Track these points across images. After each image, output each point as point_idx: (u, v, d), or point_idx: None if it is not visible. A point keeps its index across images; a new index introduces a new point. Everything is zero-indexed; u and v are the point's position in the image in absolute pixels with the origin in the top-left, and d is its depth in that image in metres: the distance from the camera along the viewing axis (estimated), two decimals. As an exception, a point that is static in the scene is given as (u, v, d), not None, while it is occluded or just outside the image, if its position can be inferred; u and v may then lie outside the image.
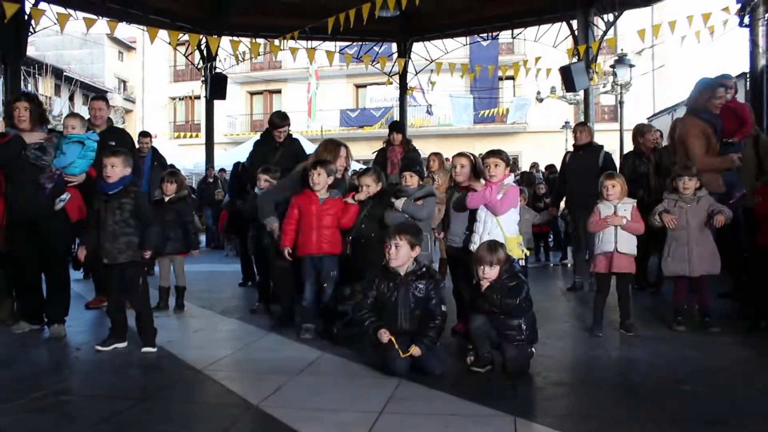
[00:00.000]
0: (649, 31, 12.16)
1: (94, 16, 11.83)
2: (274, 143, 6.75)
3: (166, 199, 6.46)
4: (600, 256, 5.17)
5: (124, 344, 4.76)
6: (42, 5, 11.50)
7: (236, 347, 4.85)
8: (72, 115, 5.81)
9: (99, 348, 4.68)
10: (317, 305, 5.19)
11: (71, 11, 12.69)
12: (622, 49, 17.88)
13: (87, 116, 6.72)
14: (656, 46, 21.71)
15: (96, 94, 8.18)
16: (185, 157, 22.32)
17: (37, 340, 5.12)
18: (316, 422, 3.14)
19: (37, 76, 31.92)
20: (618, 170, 7.50)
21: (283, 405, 3.40)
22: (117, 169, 4.69)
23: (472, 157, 5.20)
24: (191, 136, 32.43)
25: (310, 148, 22.54)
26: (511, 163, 5.09)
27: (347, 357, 4.42)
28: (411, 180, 5.27)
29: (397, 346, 3.95)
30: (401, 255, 4.12)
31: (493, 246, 4.12)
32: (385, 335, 4.02)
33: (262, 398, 3.49)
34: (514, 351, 3.98)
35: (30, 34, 12.46)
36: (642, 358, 4.55)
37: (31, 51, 13.06)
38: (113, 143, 6.44)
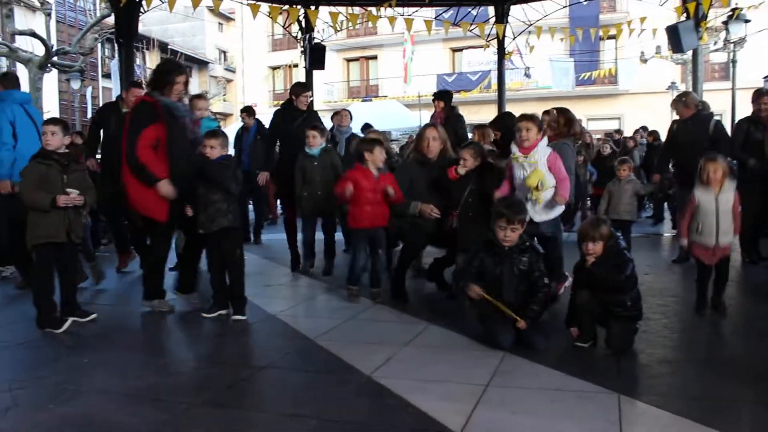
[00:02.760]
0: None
1: (200, -5, 12.27)
2: (293, 113, 6.99)
3: None
4: (699, 247, 4.93)
5: (226, 311, 5.10)
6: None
7: (345, 317, 5.05)
8: (201, 96, 6.08)
9: (205, 315, 5.04)
10: (364, 271, 5.61)
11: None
12: (736, 3, 16.83)
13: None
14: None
15: (132, 81, 8.85)
16: (285, 126, 22.89)
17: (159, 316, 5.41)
18: (425, 393, 3.31)
19: (144, 50, 33.42)
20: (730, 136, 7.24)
21: (394, 376, 3.60)
22: (216, 150, 5.01)
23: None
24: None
25: (406, 112, 22.23)
26: (545, 128, 5.15)
27: (451, 329, 4.58)
28: None
29: (505, 309, 4.11)
30: (515, 237, 4.23)
31: (597, 222, 4.15)
32: (476, 290, 4.20)
33: (373, 369, 3.70)
34: (618, 327, 4.02)
35: (141, 14, 13.07)
36: (751, 336, 4.47)
37: (139, 27, 13.79)
38: None
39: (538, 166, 4.92)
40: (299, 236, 7.06)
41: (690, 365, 3.88)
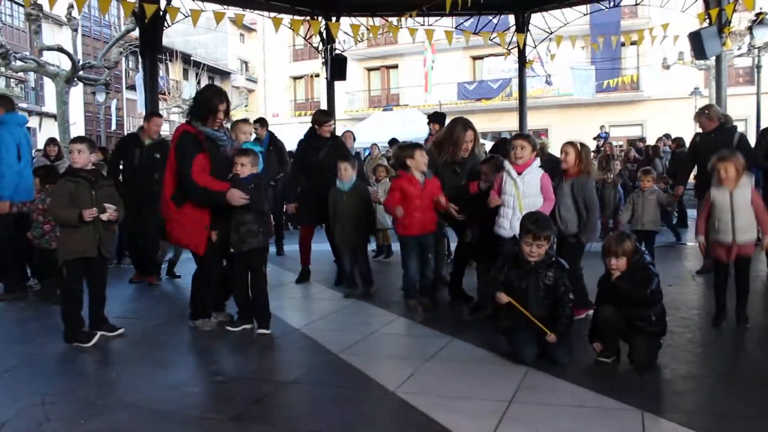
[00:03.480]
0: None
1: (222, 9, 12.48)
2: (318, 142, 6.99)
3: None
4: (717, 246, 4.91)
5: (251, 326, 5.16)
6: (176, 2, 12.23)
7: (368, 331, 5.08)
8: (245, 121, 6.12)
9: (230, 328, 5.15)
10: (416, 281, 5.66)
11: (200, 3, 13.42)
12: (761, 8, 16.64)
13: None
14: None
15: (152, 111, 8.92)
16: (307, 136, 23.05)
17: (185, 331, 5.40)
18: (450, 410, 3.34)
19: (167, 62, 33.89)
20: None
21: (418, 391, 3.63)
22: (246, 168, 5.06)
23: (578, 146, 5.33)
24: (312, 114, 33.41)
25: (426, 121, 22.30)
26: (538, 148, 5.25)
27: (474, 343, 4.60)
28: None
29: (536, 321, 4.12)
30: (541, 252, 4.24)
31: (620, 237, 4.14)
32: (504, 297, 4.23)
33: (397, 384, 3.73)
34: (642, 342, 4.01)
35: (165, 28, 13.27)
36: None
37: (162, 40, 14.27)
38: (158, 155, 7.12)
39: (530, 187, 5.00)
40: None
41: (715, 381, 3.85)
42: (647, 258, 4.15)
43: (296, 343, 4.86)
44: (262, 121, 10.16)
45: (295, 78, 37.51)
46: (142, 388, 3.87)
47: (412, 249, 5.63)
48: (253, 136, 6.06)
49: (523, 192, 4.98)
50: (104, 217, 4.91)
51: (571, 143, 5.32)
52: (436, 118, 8.17)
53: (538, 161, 5.13)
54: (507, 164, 5.11)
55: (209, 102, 5.10)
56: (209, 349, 4.81)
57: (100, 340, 4.91)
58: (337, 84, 16.83)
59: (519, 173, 5.03)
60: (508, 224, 5.01)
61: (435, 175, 5.74)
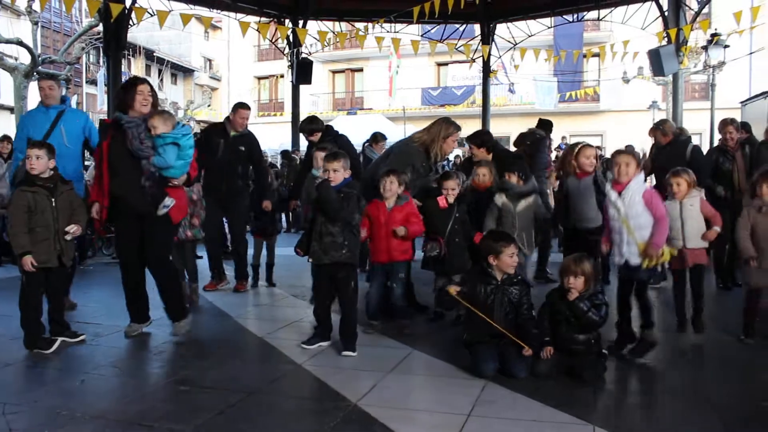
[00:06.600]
0: (747, 14, 11.76)
1: (189, 10, 12.43)
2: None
3: None
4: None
5: (327, 343, 4.97)
6: (142, 1, 12.16)
7: (331, 340, 5.08)
8: (155, 114, 5.43)
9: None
10: (382, 304, 5.50)
11: (166, 3, 13.35)
12: (716, 29, 17.21)
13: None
14: (756, 27, 20.69)
15: (241, 102, 7.81)
16: (271, 137, 22.97)
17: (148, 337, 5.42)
18: (410, 423, 3.45)
19: (129, 58, 33.43)
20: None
21: (380, 404, 3.72)
22: (339, 173, 4.74)
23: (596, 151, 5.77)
24: (275, 115, 33.34)
25: (390, 126, 22.47)
26: (642, 162, 5.36)
27: (434, 355, 4.71)
28: (512, 177, 5.80)
29: (512, 336, 4.26)
30: (514, 262, 4.40)
31: (579, 258, 4.31)
32: (453, 289, 4.44)
33: (359, 396, 3.82)
34: (587, 368, 4.15)
35: (129, 26, 13.17)
36: (722, 366, 4.62)
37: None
38: (242, 148, 6.96)
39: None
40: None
41: (666, 398, 3.99)
42: (599, 286, 4.41)
43: (258, 352, 4.92)
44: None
45: (260, 78, 37.34)
46: (106, 398, 3.89)
47: (378, 276, 5.44)
48: (162, 129, 5.27)
49: (626, 214, 4.56)
50: (68, 237, 4.92)
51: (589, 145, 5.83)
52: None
53: (640, 176, 4.71)
54: (607, 186, 4.85)
55: (130, 87, 5.13)
56: (173, 358, 4.82)
57: (61, 347, 4.89)
58: (302, 86, 16.88)
59: (619, 193, 4.63)
60: (618, 251, 4.68)
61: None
